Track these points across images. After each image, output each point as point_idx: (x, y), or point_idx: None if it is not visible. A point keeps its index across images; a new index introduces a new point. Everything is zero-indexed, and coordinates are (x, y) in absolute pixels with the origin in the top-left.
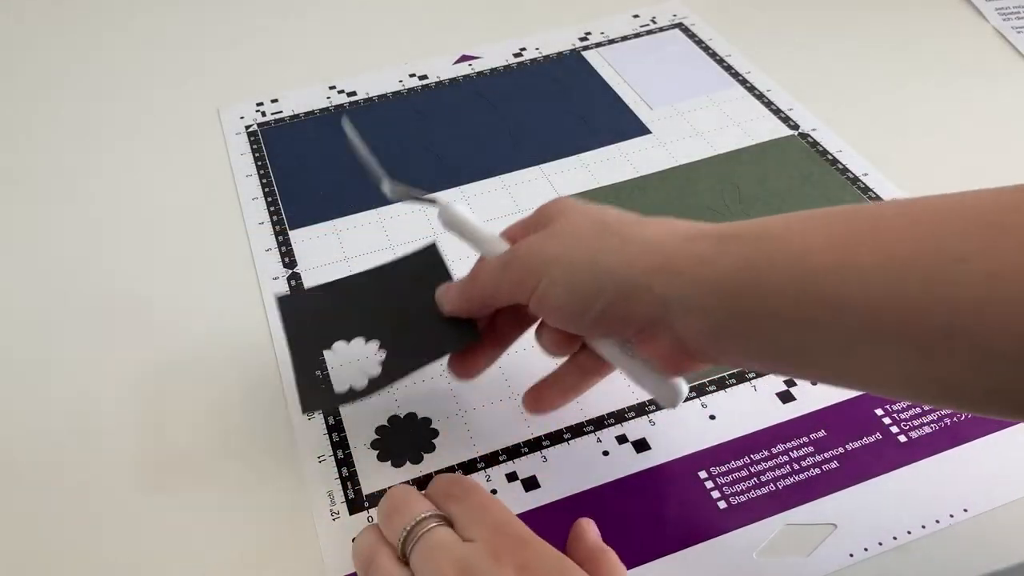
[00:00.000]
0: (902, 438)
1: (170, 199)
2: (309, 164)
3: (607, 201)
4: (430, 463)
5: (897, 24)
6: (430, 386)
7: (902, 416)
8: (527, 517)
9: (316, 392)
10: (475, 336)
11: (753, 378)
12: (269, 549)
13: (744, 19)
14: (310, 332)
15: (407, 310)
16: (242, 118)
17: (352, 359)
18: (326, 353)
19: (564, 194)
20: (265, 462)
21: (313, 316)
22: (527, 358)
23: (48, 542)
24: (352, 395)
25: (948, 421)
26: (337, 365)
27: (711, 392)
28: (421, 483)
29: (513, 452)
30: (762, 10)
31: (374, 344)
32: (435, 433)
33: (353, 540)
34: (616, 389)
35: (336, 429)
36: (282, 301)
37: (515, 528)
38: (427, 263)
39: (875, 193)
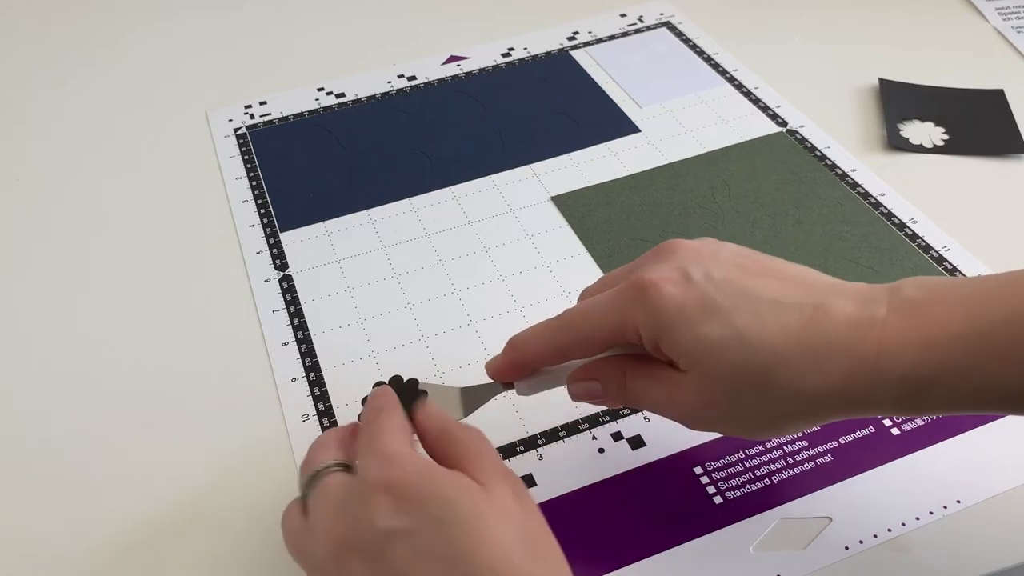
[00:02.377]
0: (895, 431)
1: (159, 202)
2: (298, 166)
3: (597, 199)
4: None
5: (893, 23)
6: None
7: None
8: None
9: None
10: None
11: None
12: (260, 551)
13: (730, 17)
14: None
15: None
16: (230, 120)
17: None
18: None
19: (554, 193)
20: (258, 463)
21: None
22: None
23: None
24: None
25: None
26: None
27: None
28: None
29: (509, 451)
30: (749, 8)
31: None
32: None
33: None
34: None
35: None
36: None
37: (387, 445)
38: None
39: (864, 188)
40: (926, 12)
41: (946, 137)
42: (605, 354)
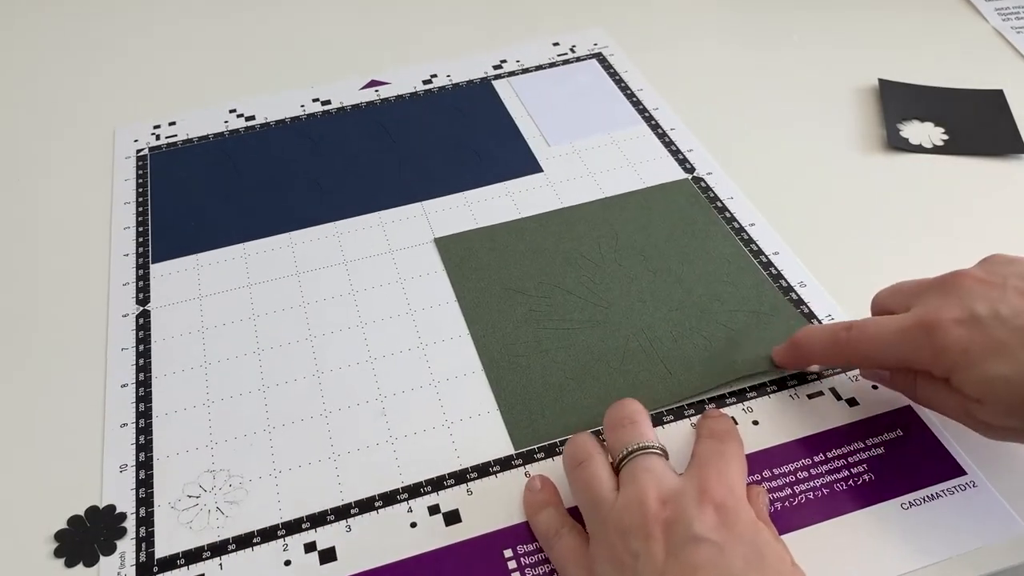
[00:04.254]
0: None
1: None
2: (190, 193)
3: (481, 243)
4: (229, 526)
5: (893, 23)
6: (251, 441)
7: None
8: None
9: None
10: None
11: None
12: None
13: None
14: None
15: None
16: (136, 141)
17: None
18: None
19: (439, 234)
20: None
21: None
22: (356, 414)
23: None
24: None
25: (778, 506)
26: None
27: (539, 460)
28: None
29: (318, 520)
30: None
31: None
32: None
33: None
34: (441, 453)
35: (144, 484)
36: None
37: (734, 481)
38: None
39: (757, 245)
40: (926, 12)
41: (946, 137)
42: None
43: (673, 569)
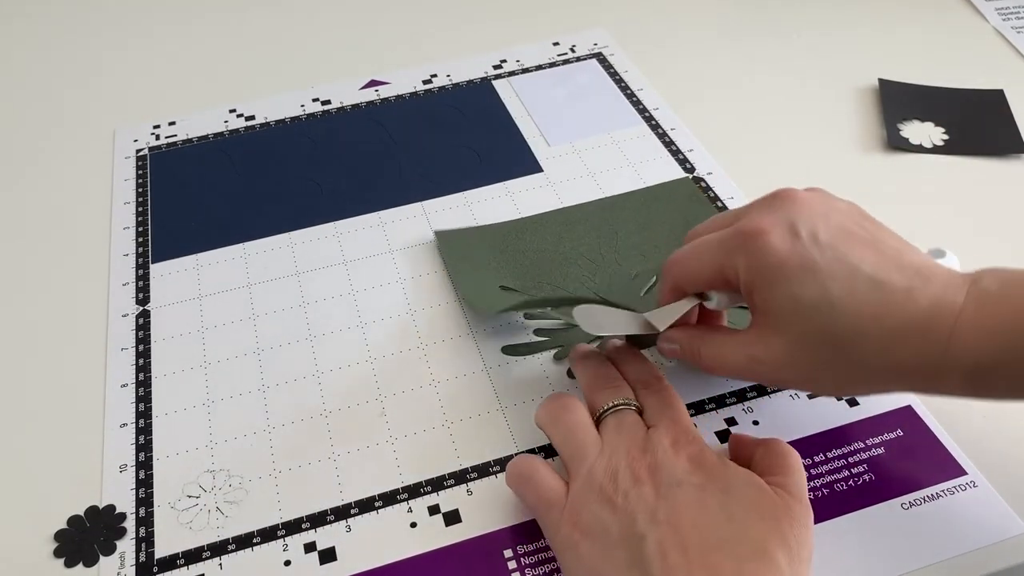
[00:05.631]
0: None
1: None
2: (190, 193)
3: (480, 245)
4: (229, 526)
5: (893, 23)
6: (251, 441)
7: None
8: None
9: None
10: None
11: None
12: None
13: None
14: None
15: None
16: (135, 141)
17: None
18: None
19: (438, 229)
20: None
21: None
22: (356, 414)
23: None
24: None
25: None
26: None
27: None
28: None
29: (318, 520)
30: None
31: None
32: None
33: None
34: (441, 453)
35: (144, 484)
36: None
37: (689, 426)
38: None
39: None
40: (926, 12)
41: (946, 137)
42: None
43: (663, 508)
